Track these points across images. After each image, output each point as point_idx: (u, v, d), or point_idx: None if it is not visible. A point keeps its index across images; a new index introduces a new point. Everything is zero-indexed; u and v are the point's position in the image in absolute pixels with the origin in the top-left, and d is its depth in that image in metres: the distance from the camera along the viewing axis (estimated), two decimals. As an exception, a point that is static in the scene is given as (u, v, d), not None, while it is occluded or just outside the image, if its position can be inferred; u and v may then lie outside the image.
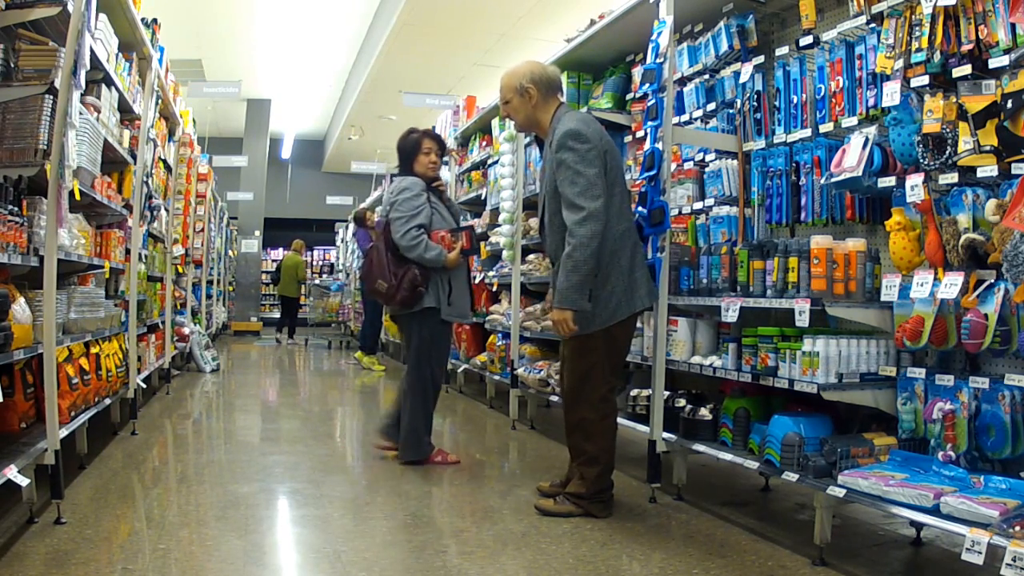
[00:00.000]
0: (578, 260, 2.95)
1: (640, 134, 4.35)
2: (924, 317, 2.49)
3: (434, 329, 3.99)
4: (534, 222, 5.33)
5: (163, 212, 6.11)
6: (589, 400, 3.14)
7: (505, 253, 5.60)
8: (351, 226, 10.02)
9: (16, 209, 2.75)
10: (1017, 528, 1.99)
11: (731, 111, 3.68)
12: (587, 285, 2.99)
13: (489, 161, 6.35)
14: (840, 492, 2.51)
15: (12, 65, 2.94)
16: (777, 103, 3.38)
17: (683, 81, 4.02)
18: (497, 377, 5.80)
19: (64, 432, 3.05)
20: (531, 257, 5.39)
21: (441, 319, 3.98)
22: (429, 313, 3.95)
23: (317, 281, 15.33)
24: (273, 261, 20.00)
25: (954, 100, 2.41)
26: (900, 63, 2.59)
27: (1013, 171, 2.26)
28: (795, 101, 3.28)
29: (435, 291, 3.94)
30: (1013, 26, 2.32)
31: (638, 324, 3.83)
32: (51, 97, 2.88)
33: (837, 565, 2.62)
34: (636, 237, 3.19)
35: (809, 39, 3.15)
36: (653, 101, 3.38)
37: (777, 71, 3.39)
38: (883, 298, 2.65)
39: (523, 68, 3.24)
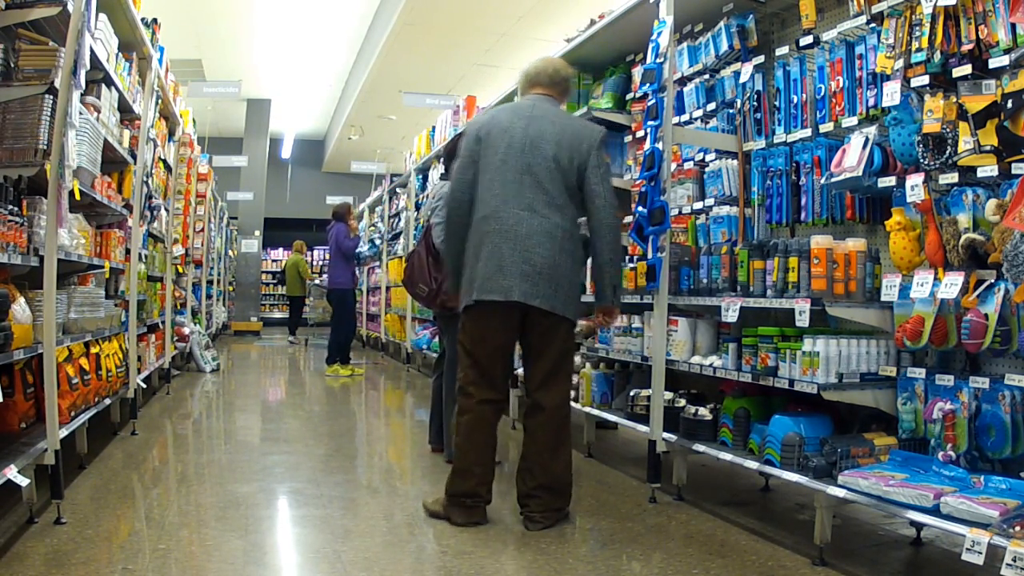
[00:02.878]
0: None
1: (640, 134, 4.35)
2: (924, 317, 2.49)
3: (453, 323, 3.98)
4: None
5: (163, 212, 6.11)
6: (455, 388, 3.15)
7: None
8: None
9: (16, 209, 2.75)
10: (1017, 528, 1.99)
11: (731, 111, 3.68)
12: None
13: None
14: (840, 492, 2.51)
15: (12, 65, 2.94)
16: (777, 103, 3.38)
17: (683, 81, 4.02)
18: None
19: (64, 432, 3.05)
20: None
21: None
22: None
23: (317, 281, 15.33)
24: (273, 261, 20.06)
25: (954, 100, 2.41)
26: (900, 63, 2.59)
27: (1013, 171, 2.26)
28: (795, 101, 3.28)
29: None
30: (1013, 26, 2.31)
31: (632, 324, 3.84)
32: (51, 97, 2.88)
33: (837, 565, 2.61)
34: (498, 226, 2.92)
35: (809, 39, 3.15)
36: (653, 101, 3.38)
37: (777, 71, 3.39)
38: (883, 298, 2.65)
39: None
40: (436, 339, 7.91)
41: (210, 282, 11.49)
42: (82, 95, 3.17)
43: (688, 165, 3.98)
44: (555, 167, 2.96)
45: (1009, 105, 2.27)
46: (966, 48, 2.42)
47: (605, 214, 2.98)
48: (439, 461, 4.07)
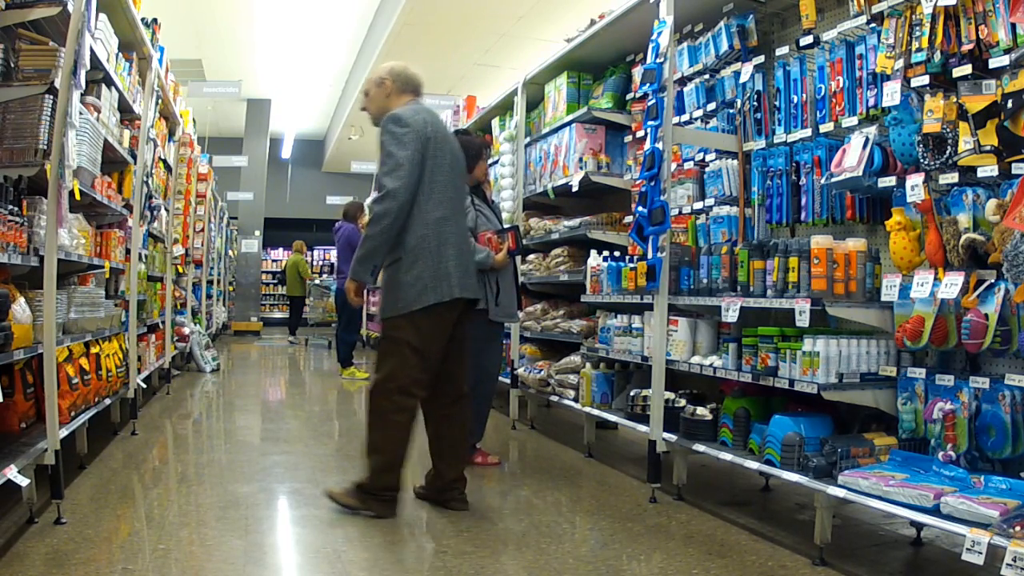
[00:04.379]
0: (368, 234, 3.03)
1: (640, 134, 4.35)
2: (924, 317, 2.49)
3: (483, 331, 3.94)
4: (535, 222, 5.33)
5: (163, 212, 6.11)
6: (385, 387, 3.06)
7: (505, 253, 5.60)
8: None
9: (16, 209, 2.75)
10: (1017, 528, 1.99)
11: (731, 111, 3.68)
12: (372, 259, 3.06)
13: (489, 161, 6.35)
14: (840, 492, 2.51)
15: (12, 65, 2.93)
16: (777, 103, 3.38)
17: (683, 81, 4.02)
18: (497, 377, 5.79)
19: (64, 432, 3.05)
20: (531, 257, 5.39)
21: (489, 320, 3.96)
22: (477, 315, 3.84)
23: (317, 281, 15.33)
24: (273, 261, 20.07)
25: (954, 100, 2.41)
26: (900, 63, 2.59)
27: (1013, 171, 2.26)
28: (795, 101, 3.28)
29: (482, 292, 3.87)
30: (1013, 26, 2.31)
31: (632, 324, 3.84)
32: (51, 97, 2.88)
33: (837, 565, 2.61)
34: (456, 229, 3.15)
35: (809, 39, 3.15)
36: (653, 101, 3.38)
37: (777, 71, 3.39)
38: (883, 298, 2.65)
39: (386, 64, 3.34)
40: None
41: (210, 282, 11.49)
42: (82, 95, 3.17)
43: (688, 165, 3.98)
44: (466, 184, 3.44)
45: (1009, 105, 2.27)
46: (966, 48, 2.42)
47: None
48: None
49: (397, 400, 3.05)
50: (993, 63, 2.37)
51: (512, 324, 4.99)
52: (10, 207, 2.69)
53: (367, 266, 3.07)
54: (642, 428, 3.58)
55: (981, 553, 2.02)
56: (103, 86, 3.88)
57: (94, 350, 3.85)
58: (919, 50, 2.52)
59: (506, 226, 4.19)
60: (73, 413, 3.35)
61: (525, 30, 9.79)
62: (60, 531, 2.75)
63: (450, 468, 3.23)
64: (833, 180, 2.86)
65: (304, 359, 10.66)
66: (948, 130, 2.42)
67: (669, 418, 3.42)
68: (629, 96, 4.68)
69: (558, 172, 4.99)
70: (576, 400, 4.38)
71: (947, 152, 2.42)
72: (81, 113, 3.14)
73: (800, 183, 3.25)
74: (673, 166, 3.72)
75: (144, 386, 5.41)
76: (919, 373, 2.62)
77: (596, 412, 4.14)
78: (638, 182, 3.56)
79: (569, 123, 4.84)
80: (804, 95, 3.25)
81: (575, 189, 4.72)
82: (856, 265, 2.84)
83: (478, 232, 3.93)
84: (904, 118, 2.59)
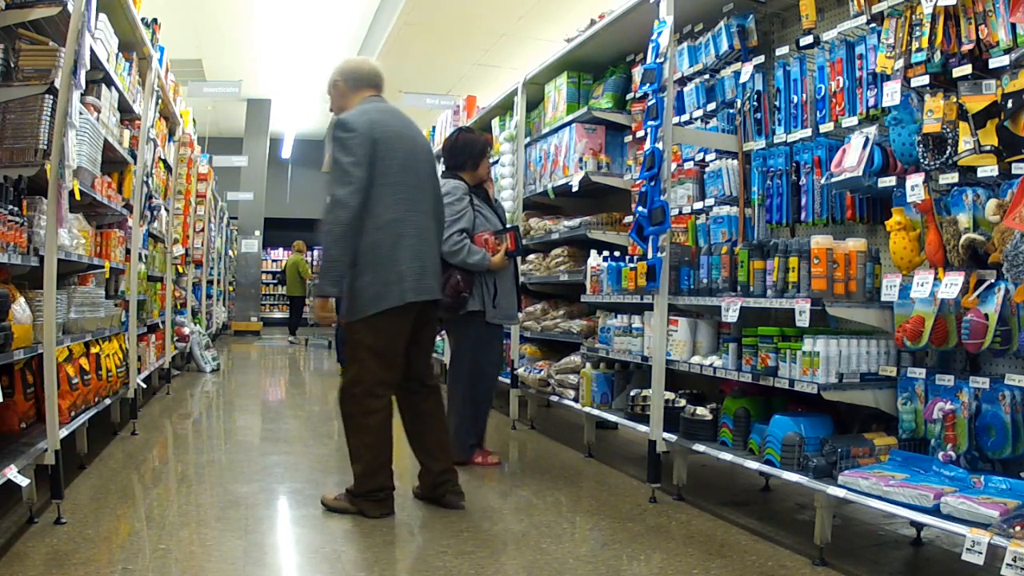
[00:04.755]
0: (324, 246, 2.98)
1: (640, 134, 4.35)
2: (924, 317, 2.49)
3: (480, 332, 3.94)
4: (535, 222, 5.33)
5: (163, 212, 6.11)
6: (351, 392, 3.06)
7: (505, 253, 5.59)
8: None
9: (16, 209, 2.75)
10: (1017, 528, 1.99)
11: (731, 111, 3.68)
12: (332, 272, 2.95)
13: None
14: (840, 492, 2.51)
15: (12, 65, 2.94)
16: (777, 103, 3.37)
17: (683, 81, 4.02)
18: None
19: (64, 432, 3.05)
20: (531, 257, 5.39)
21: (487, 322, 3.93)
22: (475, 316, 3.91)
23: (317, 281, 15.34)
24: (273, 261, 20.07)
25: (954, 100, 2.41)
26: (900, 63, 2.59)
27: (1013, 171, 2.26)
28: (795, 101, 3.28)
29: (480, 294, 3.89)
30: (1013, 26, 2.31)
31: (632, 324, 3.84)
32: (51, 97, 2.88)
33: (837, 565, 2.62)
34: (413, 230, 3.07)
35: (809, 39, 3.15)
36: (653, 101, 3.38)
37: (777, 71, 3.39)
38: (883, 298, 2.65)
39: (338, 63, 3.31)
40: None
41: (210, 282, 11.49)
42: (82, 95, 3.17)
43: (688, 165, 3.98)
44: (434, 176, 3.28)
45: (1009, 105, 2.27)
46: (966, 48, 2.42)
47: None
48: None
49: (365, 404, 3.04)
50: (993, 63, 2.37)
51: (512, 325, 4.97)
52: (10, 207, 2.69)
53: (329, 279, 2.97)
54: (642, 428, 3.58)
55: (981, 553, 2.02)
56: (103, 86, 3.88)
57: (94, 350, 3.85)
58: (919, 50, 2.52)
59: (507, 226, 4.16)
60: (73, 413, 3.35)
61: (525, 30, 9.80)
62: (60, 531, 2.75)
63: (436, 462, 3.25)
64: (833, 180, 2.86)
65: (304, 359, 10.66)
66: (948, 130, 2.42)
67: (669, 418, 3.42)
68: (629, 96, 4.68)
69: (558, 172, 4.99)
70: (576, 400, 4.38)
71: (947, 152, 2.42)
72: (81, 113, 3.14)
73: (800, 183, 3.25)
74: (673, 166, 3.72)
75: (144, 386, 5.41)
76: (919, 373, 2.62)
77: (596, 412, 4.14)
78: (638, 182, 3.56)
79: (569, 123, 4.84)
80: (804, 95, 3.25)
81: (575, 189, 4.72)
82: (856, 265, 2.84)
83: (475, 233, 3.90)
84: (904, 118, 2.59)
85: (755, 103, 3.51)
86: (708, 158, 3.85)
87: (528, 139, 5.52)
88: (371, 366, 3.04)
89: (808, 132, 3.21)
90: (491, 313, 3.93)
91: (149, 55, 4.87)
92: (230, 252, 15.39)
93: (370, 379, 3.04)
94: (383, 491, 3.09)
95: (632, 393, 3.86)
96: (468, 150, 4.04)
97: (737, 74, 3.60)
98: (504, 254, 3.92)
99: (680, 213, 3.91)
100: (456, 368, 4.05)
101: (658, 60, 3.40)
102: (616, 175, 4.72)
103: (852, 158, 2.77)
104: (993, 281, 2.32)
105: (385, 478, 3.09)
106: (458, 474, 3.30)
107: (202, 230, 8.98)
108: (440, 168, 3.90)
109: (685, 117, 3.97)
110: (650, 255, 3.38)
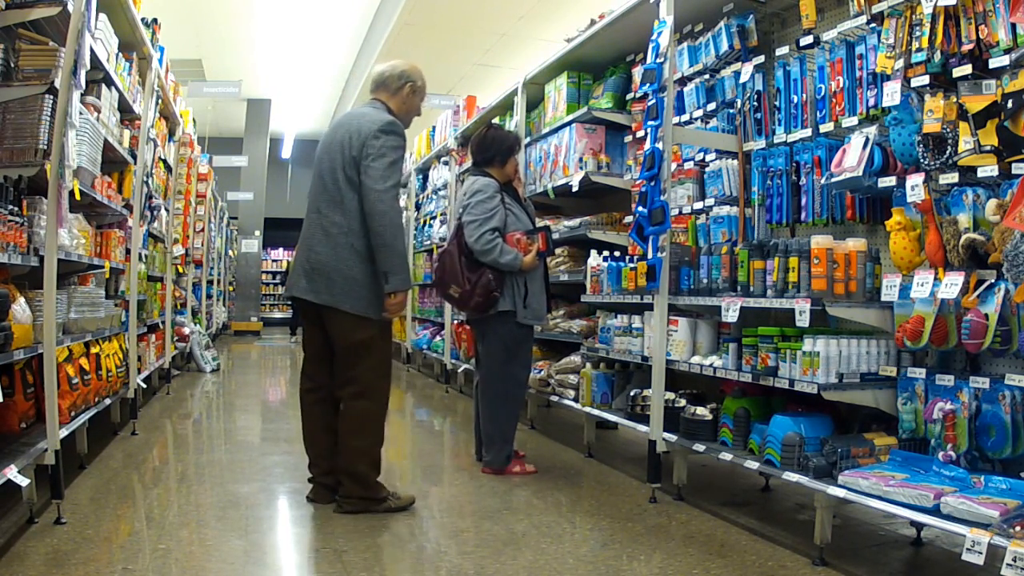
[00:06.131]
0: (392, 240, 3.11)
1: (640, 134, 4.35)
2: (924, 317, 2.49)
3: (511, 333, 3.84)
4: (534, 222, 5.32)
5: (163, 212, 6.11)
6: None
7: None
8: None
9: (16, 209, 2.75)
10: (1017, 528, 1.99)
11: (731, 111, 3.68)
12: (406, 263, 3.21)
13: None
14: (840, 492, 2.51)
15: (12, 65, 2.93)
16: (777, 103, 3.37)
17: (683, 81, 4.02)
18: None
19: (64, 432, 3.05)
20: (531, 257, 5.38)
21: (518, 322, 3.83)
22: (505, 317, 3.81)
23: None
24: (273, 261, 20.08)
25: (954, 100, 2.41)
26: (900, 63, 2.59)
27: (1013, 171, 2.26)
28: (795, 101, 3.28)
29: (511, 294, 3.79)
30: (1013, 26, 2.31)
31: (632, 324, 3.84)
32: (51, 97, 2.88)
33: (837, 565, 2.62)
34: (308, 229, 3.18)
35: (809, 39, 3.15)
36: (653, 101, 3.38)
37: (777, 71, 3.39)
38: (883, 298, 2.65)
39: (411, 65, 3.37)
40: (436, 339, 7.91)
41: (210, 282, 11.49)
42: (82, 95, 3.17)
43: (688, 165, 3.98)
44: (340, 167, 3.10)
45: (1009, 105, 2.27)
46: (966, 48, 2.42)
47: (370, 202, 3.03)
48: (438, 461, 4.07)
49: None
50: (993, 63, 2.37)
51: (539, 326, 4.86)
52: (10, 207, 2.69)
53: (406, 271, 3.20)
54: (642, 428, 3.58)
55: (981, 553, 2.02)
56: (103, 86, 3.88)
57: (94, 350, 3.85)
58: (919, 50, 2.52)
59: (538, 226, 4.02)
60: (73, 413, 3.35)
61: (525, 30, 9.80)
62: (60, 531, 2.75)
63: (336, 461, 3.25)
64: (833, 180, 2.86)
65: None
66: (948, 130, 2.42)
67: (669, 418, 3.42)
68: (629, 96, 4.68)
69: (558, 172, 4.99)
70: (576, 400, 4.38)
71: (947, 152, 2.42)
72: (81, 113, 3.14)
73: (800, 183, 3.25)
74: (673, 166, 3.72)
75: (144, 386, 5.41)
76: (919, 373, 2.62)
77: (596, 412, 4.14)
78: (638, 182, 3.56)
79: (569, 123, 4.84)
80: (804, 95, 3.25)
81: (575, 189, 4.72)
82: (856, 265, 2.84)
83: (506, 232, 3.80)
84: (904, 118, 2.59)
85: (755, 103, 3.51)
86: (708, 158, 3.85)
87: (528, 139, 5.52)
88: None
89: (808, 132, 3.21)
90: (522, 313, 3.82)
91: (149, 55, 4.87)
92: (230, 252, 15.40)
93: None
94: (312, 480, 3.29)
95: (632, 393, 3.86)
96: (497, 145, 3.94)
97: (737, 74, 3.60)
98: (535, 254, 3.82)
99: (680, 213, 3.91)
100: (486, 370, 3.93)
101: (658, 60, 3.40)
102: (616, 175, 4.72)
103: (852, 158, 2.77)
104: (993, 281, 2.32)
105: (310, 468, 3.30)
106: (346, 484, 3.15)
107: (202, 230, 8.98)
108: (468, 164, 3.87)
109: (685, 117, 3.97)
110: (650, 255, 3.38)
